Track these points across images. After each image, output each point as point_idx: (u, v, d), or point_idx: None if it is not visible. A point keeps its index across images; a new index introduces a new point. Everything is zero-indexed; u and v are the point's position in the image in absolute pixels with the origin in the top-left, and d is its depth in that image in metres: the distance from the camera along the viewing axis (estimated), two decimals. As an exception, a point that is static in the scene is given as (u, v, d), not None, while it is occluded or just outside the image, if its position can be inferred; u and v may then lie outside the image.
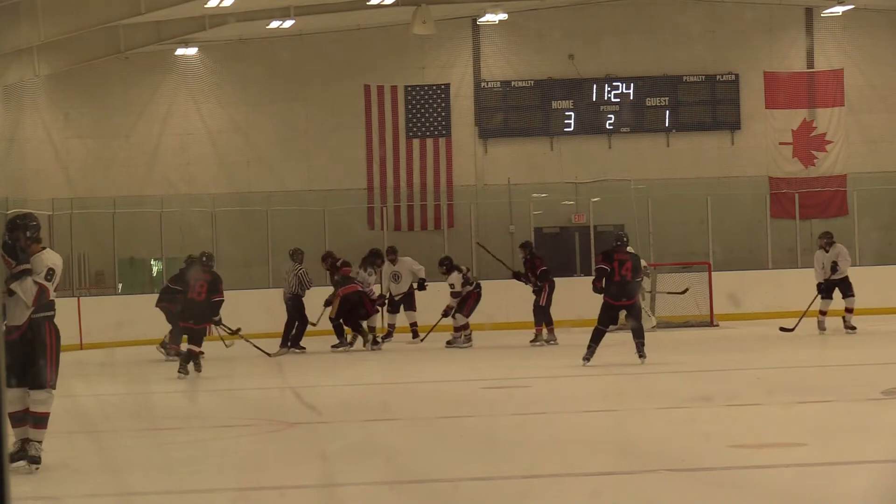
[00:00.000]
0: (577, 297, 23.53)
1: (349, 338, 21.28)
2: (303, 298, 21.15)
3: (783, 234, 29.21)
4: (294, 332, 21.14)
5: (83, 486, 8.97)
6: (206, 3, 25.70)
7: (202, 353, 16.89)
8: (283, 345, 20.91)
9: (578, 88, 30.15)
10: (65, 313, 22.56)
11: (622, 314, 21.94)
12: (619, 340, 21.80)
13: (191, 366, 16.69)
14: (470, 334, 21.10)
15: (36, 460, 9.09)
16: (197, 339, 16.82)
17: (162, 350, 20.05)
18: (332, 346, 21.10)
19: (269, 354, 16.09)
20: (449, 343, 21.11)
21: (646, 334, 22.35)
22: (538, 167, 29.96)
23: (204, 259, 17.25)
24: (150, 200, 28.10)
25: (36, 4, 23.26)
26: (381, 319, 22.31)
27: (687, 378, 15.66)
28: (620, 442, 10.08)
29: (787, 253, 29.09)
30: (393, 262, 22.76)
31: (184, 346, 17.49)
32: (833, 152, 30.63)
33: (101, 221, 26.92)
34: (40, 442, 9.18)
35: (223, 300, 17.04)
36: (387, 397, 14.24)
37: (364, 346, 20.88)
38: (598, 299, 23.77)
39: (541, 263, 21.34)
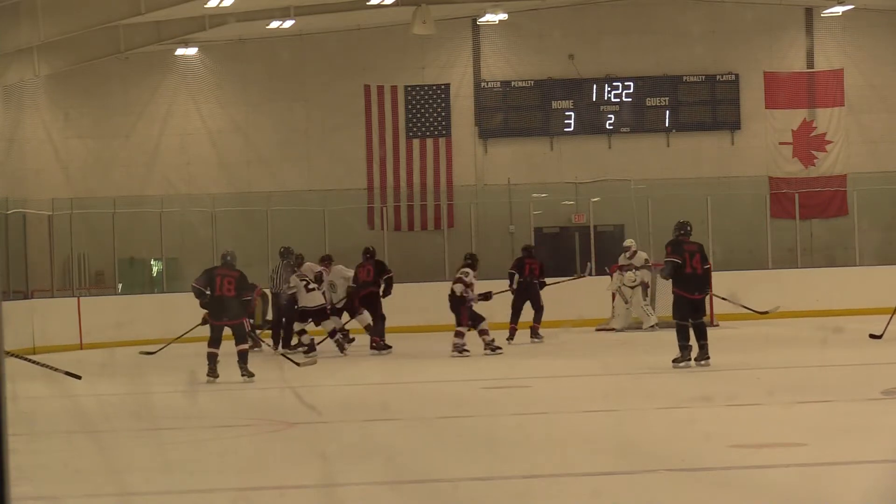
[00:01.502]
0: (577, 297, 23.61)
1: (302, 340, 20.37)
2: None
3: (783, 234, 29.21)
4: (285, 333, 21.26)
5: (83, 486, 8.96)
6: (206, 3, 25.70)
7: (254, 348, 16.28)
8: (287, 344, 20.94)
9: (578, 88, 30.14)
10: (65, 313, 22.72)
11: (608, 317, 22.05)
12: (619, 340, 21.83)
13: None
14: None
15: None
16: (241, 336, 16.21)
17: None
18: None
19: (298, 364, 15.85)
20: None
21: (649, 334, 22.46)
22: (538, 167, 29.96)
23: (228, 258, 16.91)
24: (150, 200, 28.10)
25: (36, 4, 23.26)
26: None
27: (687, 378, 15.65)
28: (620, 442, 10.07)
29: (787, 253, 29.09)
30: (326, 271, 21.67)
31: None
32: (833, 152, 30.64)
33: (101, 221, 26.92)
34: None
35: (252, 299, 16.74)
36: (387, 397, 14.24)
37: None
38: (598, 299, 23.89)
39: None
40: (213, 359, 16.06)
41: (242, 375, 15.92)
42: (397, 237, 28.79)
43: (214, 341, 16.25)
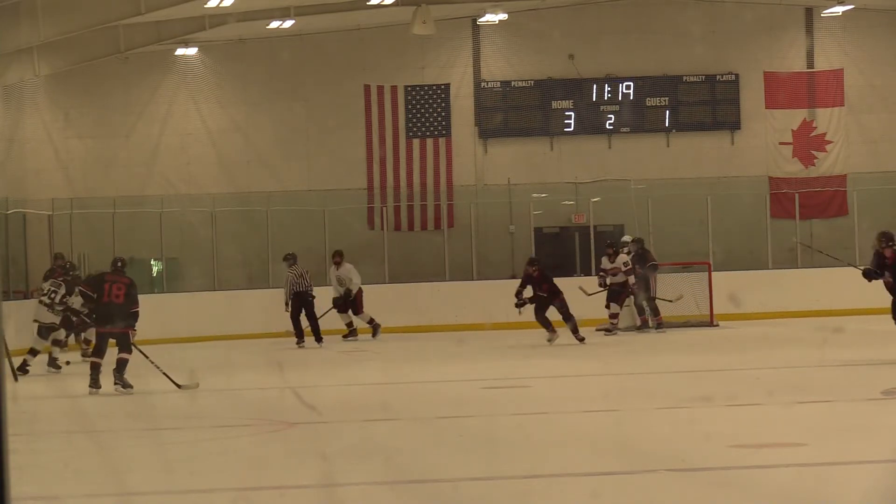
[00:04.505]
0: (576, 297, 23.58)
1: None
2: None
3: (783, 234, 29.20)
4: (300, 329, 22.33)
5: (83, 486, 8.97)
6: (206, 3, 25.69)
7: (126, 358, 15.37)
8: (302, 339, 22.39)
9: (578, 88, 30.14)
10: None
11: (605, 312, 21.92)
12: (617, 340, 21.83)
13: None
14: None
15: None
16: (125, 345, 15.30)
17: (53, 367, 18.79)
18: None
19: (179, 386, 15.02)
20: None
21: (648, 334, 22.46)
22: (538, 167, 29.95)
23: (118, 264, 15.93)
24: (150, 200, 28.10)
25: (36, 4, 23.25)
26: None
27: (687, 378, 15.66)
28: (620, 442, 10.08)
29: (787, 253, 29.09)
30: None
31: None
32: (833, 152, 30.63)
33: (101, 221, 26.92)
34: None
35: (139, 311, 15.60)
36: (387, 397, 14.24)
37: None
38: (598, 299, 23.86)
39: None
40: (96, 369, 15.20)
41: (116, 384, 15.07)
42: (397, 237, 28.77)
43: (99, 351, 15.41)
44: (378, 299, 25.87)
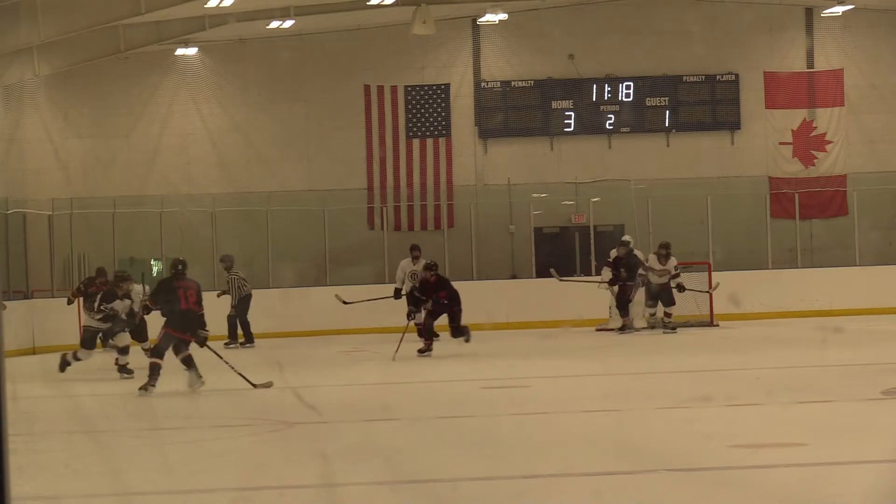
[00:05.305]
0: (576, 297, 23.60)
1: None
2: None
3: (783, 234, 29.22)
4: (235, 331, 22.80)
5: (83, 486, 8.96)
6: (206, 3, 25.70)
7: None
8: (235, 341, 22.59)
9: (578, 88, 30.14)
10: (65, 313, 22.70)
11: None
12: (617, 341, 21.84)
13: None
14: None
15: None
16: (182, 350, 15.14)
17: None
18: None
19: (254, 385, 14.94)
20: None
21: (643, 335, 22.47)
22: (538, 167, 29.95)
23: (180, 267, 15.60)
24: (150, 200, 28.11)
25: (36, 4, 23.26)
26: None
27: (687, 378, 15.66)
28: (620, 442, 10.07)
29: (787, 253, 29.11)
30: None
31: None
32: (833, 152, 30.64)
33: (101, 221, 26.93)
34: None
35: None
36: (387, 397, 14.24)
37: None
38: (598, 299, 23.87)
39: None
40: (157, 370, 15.05)
41: (149, 386, 14.93)
42: (397, 237, 28.76)
43: (160, 352, 15.18)
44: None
